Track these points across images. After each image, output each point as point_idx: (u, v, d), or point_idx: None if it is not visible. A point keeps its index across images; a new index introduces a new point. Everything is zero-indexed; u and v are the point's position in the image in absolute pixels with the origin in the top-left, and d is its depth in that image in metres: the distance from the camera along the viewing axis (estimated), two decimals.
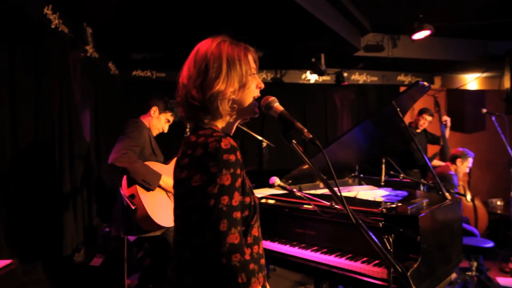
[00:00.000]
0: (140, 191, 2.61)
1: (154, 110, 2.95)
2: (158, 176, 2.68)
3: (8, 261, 2.12)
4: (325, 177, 3.27)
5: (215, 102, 1.20)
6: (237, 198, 1.11)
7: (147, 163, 2.70)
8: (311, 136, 1.18)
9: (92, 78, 4.23)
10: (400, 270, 1.00)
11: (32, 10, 2.94)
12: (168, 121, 3.02)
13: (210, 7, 3.50)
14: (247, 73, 1.23)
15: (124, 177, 2.65)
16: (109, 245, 3.91)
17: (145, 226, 2.63)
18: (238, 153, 1.15)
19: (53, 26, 3.21)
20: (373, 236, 1.07)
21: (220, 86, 1.19)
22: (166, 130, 3.04)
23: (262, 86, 1.29)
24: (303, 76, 5.83)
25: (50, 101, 3.23)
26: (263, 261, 1.29)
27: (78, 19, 3.49)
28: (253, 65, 1.27)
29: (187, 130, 3.65)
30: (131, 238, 4.24)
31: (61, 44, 3.45)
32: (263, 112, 1.33)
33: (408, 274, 1.72)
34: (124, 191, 2.64)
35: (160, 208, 2.67)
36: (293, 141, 1.21)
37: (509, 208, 4.34)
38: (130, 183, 2.62)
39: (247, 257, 1.12)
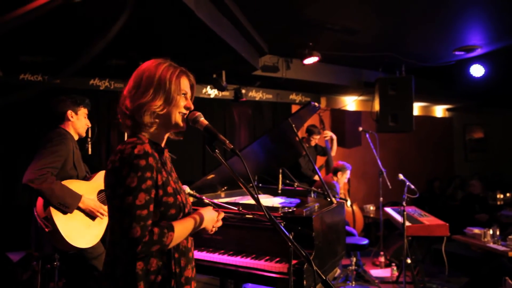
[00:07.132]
0: (55, 213, 2.48)
1: (71, 114, 2.82)
2: (78, 198, 2.56)
3: None
4: (225, 187, 3.50)
5: (140, 111, 1.33)
6: (142, 198, 1.24)
7: (66, 182, 2.58)
8: (232, 146, 1.37)
9: None
10: (304, 254, 1.23)
11: None
12: (87, 114, 2.94)
13: (105, 18, 3.44)
14: (175, 92, 1.39)
15: (40, 197, 2.52)
16: None
17: (61, 247, 2.54)
18: (150, 159, 1.28)
19: None
20: (283, 229, 1.29)
21: (147, 98, 1.33)
22: (89, 124, 2.96)
23: (191, 107, 1.46)
24: (204, 90, 6.01)
25: None
26: (191, 254, 1.43)
27: None
28: (183, 87, 1.43)
29: (89, 139, 3.54)
30: (15, 258, 3.87)
31: None
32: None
33: (305, 267, 2.01)
34: (40, 211, 2.50)
35: (77, 228, 2.57)
36: (217, 150, 1.38)
37: (379, 212, 5.10)
38: (46, 205, 2.49)
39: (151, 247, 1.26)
